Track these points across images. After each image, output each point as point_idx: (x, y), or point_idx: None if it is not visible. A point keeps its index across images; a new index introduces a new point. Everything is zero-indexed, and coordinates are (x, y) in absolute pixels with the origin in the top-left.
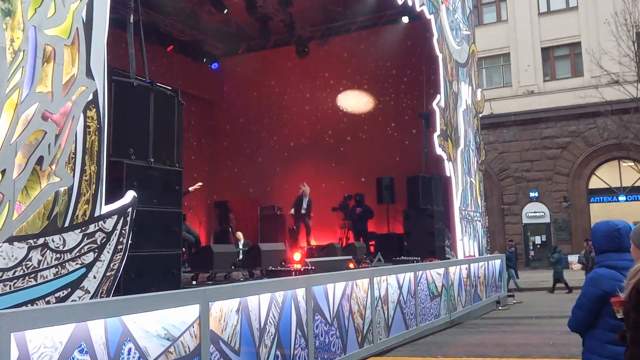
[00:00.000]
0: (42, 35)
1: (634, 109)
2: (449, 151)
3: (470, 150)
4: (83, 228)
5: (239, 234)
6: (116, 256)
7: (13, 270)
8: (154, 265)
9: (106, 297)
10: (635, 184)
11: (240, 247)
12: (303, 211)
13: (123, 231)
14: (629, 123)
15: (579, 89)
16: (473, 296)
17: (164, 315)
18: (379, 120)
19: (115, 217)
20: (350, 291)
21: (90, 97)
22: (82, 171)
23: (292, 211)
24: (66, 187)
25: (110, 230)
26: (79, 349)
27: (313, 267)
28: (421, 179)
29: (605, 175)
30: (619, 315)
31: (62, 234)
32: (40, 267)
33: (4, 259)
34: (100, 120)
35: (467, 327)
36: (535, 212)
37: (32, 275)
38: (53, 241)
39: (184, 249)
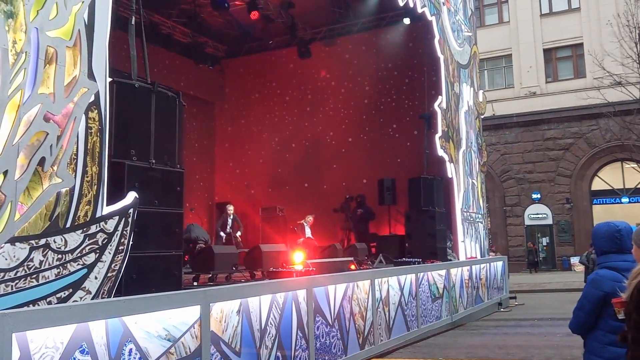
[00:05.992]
0: (44, 37)
1: (636, 110)
2: (451, 152)
3: (472, 152)
4: (84, 229)
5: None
6: (117, 257)
7: (15, 271)
8: (155, 266)
9: (107, 297)
10: (638, 186)
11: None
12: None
13: (124, 232)
14: (631, 124)
15: (582, 91)
16: (475, 298)
17: (165, 316)
18: (380, 121)
19: (117, 218)
20: (351, 292)
21: (92, 98)
22: (84, 172)
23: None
24: (68, 188)
25: (111, 231)
26: (80, 349)
27: (314, 269)
28: (423, 181)
29: (608, 177)
30: (620, 316)
31: (64, 235)
32: (42, 268)
33: (6, 259)
34: (102, 122)
35: (468, 329)
36: (537, 214)
37: (34, 276)
38: (55, 242)
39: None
